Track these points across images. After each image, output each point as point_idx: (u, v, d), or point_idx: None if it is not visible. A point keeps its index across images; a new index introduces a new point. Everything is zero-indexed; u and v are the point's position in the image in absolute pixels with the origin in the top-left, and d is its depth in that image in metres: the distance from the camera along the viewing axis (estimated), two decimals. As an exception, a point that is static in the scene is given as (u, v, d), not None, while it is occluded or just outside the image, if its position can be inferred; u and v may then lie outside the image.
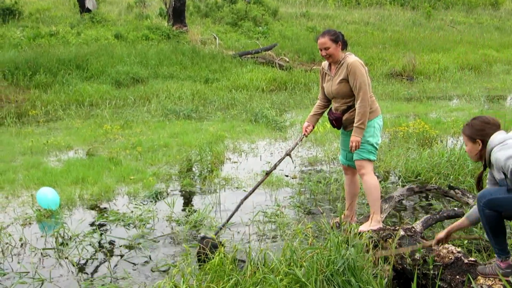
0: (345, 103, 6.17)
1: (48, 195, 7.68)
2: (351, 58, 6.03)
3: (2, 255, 6.31)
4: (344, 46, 6.17)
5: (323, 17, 33.60)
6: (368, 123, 6.07)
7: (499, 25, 36.63)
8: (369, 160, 6.12)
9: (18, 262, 6.12)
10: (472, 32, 33.38)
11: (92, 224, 7.24)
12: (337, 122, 6.31)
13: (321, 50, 6.09)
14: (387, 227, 5.90)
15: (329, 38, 6.02)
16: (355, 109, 6.05)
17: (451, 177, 8.32)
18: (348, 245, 5.10)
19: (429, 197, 8.08)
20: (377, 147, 6.22)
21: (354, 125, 6.00)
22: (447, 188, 7.19)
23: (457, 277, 4.71)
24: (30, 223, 7.33)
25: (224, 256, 4.99)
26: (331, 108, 6.48)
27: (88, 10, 26.81)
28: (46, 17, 27.12)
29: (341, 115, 6.24)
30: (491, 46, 28.54)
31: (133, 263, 6.10)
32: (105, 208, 7.93)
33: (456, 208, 6.39)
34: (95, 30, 24.50)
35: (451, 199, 7.31)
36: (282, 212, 7.45)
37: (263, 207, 7.69)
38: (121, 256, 6.29)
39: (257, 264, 4.91)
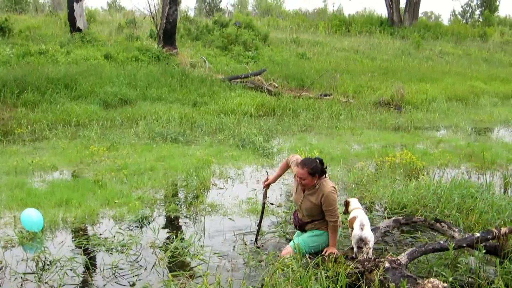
0: (309, 217, 6.60)
1: (33, 217, 7.59)
2: (327, 187, 6.32)
3: (-18, 278, 6.22)
4: (322, 174, 6.45)
5: (313, 43, 33.82)
6: (323, 232, 6.54)
7: (487, 57, 37.01)
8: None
9: (0, 285, 6.03)
10: (460, 63, 33.71)
11: (74, 248, 7.15)
12: (301, 228, 6.76)
13: (297, 177, 6.39)
14: (373, 258, 5.86)
15: (307, 171, 6.30)
16: (317, 222, 6.56)
17: (437, 210, 8.29)
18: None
19: (414, 229, 8.03)
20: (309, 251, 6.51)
21: (330, 243, 6.46)
22: (433, 221, 7.17)
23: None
24: (12, 246, 7.23)
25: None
26: (296, 211, 6.87)
27: (79, 30, 26.77)
28: (36, 35, 27.06)
29: (305, 224, 6.67)
30: (479, 78, 28.75)
31: (115, 290, 6.03)
32: (88, 232, 7.83)
33: (441, 241, 6.35)
34: (85, 49, 24.46)
35: (437, 232, 7.29)
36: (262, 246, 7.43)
37: (248, 236, 7.60)
38: (103, 281, 6.21)
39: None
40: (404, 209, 8.64)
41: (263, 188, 7.35)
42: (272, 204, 9.22)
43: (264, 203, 7.39)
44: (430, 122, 18.71)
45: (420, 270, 6.41)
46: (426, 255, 6.48)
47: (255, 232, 7.47)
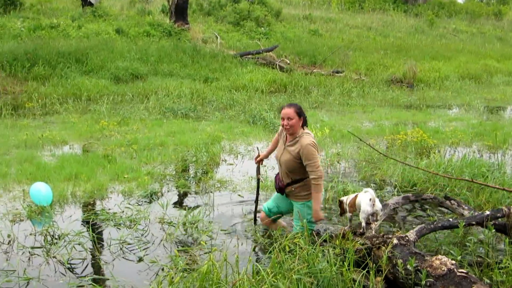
0: (289, 177, 6.39)
1: (42, 191, 7.59)
2: (306, 139, 6.13)
3: (-10, 252, 6.23)
4: (305, 123, 6.31)
5: (326, 20, 33.56)
6: (308, 203, 6.31)
7: (502, 36, 36.63)
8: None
9: (7, 260, 6.04)
10: (474, 41, 33.38)
11: (82, 223, 7.15)
12: (281, 190, 6.59)
13: (283, 119, 6.21)
14: (381, 235, 5.81)
15: (295, 110, 6.19)
16: (298, 185, 6.36)
17: (447, 188, 8.22)
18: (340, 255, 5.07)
19: (424, 207, 7.98)
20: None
21: (314, 206, 6.20)
22: (443, 198, 7.11)
23: (450, 288, 4.64)
24: (20, 220, 7.23)
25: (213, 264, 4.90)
26: (278, 173, 6.70)
27: (90, 4, 26.69)
28: (48, 9, 27.00)
29: (285, 187, 6.48)
30: (493, 57, 28.48)
31: (123, 264, 6.02)
32: (97, 206, 7.83)
33: (451, 219, 6.29)
34: (97, 24, 24.38)
35: (446, 209, 7.23)
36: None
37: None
38: (111, 256, 6.21)
39: (245, 274, 4.82)
40: (414, 187, 8.59)
41: (256, 164, 7.26)
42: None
43: (258, 179, 7.32)
44: (442, 100, 18.59)
45: (429, 248, 6.36)
46: (435, 233, 6.42)
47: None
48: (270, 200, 6.93)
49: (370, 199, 6.00)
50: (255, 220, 7.23)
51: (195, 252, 6.08)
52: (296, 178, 6.29)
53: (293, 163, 6.23)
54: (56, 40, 20.87)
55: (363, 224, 6.06)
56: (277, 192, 6.75)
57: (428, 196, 7.26)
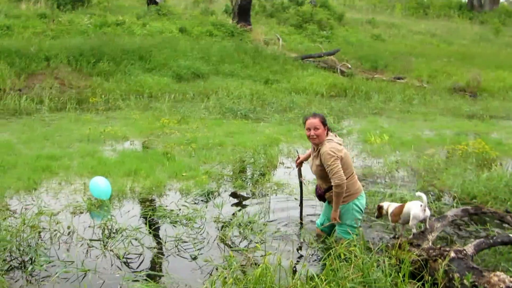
0: (324, 183, 6.49)
1: (101, 185, 7.75)
2: (326, 146, 6.21)
3: (50, 242, 6.36)
4: (328, 131, 6.41)
5: (389, 25, 33.24)
6: (346, 206, 6.38)
7: None
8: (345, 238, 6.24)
9: (67, 250, 6.18)
10: (542, 51, 32.46)
11: (140, 218, 7.25)
12: (321, 198, 6.75)
13: (309, 130, 6.29)
14: (438, 247, 5.70)
15: (320, 120, 6.28)
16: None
17: (509, 203, 7.97)
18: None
19: (480, 221, 7.78)
20: (356, 225, 6.45)
21: (333, 205, 6.37)
22: (504, 213, 6.92)
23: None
24: (80, 212, 7.39)
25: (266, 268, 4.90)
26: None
27: (155, 2, 27.11)
28: (114, 6, 27.59)
29: (324, 193, 6.59)
30: (561, 66, 27.61)
31: (177, 261, 6.07)
32: (154, 203, 7.93)
33: (511, 234, 6.13)
34: (161, 22, 24.73)
35: (507, 225, 7.04)
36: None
37: (312, 217, 7.54)
38: (166, 253, 6.27)
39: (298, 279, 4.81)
40: (474, 200, 8.33)
41: (296, 167, 7.27)
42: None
43: (301, 182, 7.32)
44: (507, 111, 18.10)
45: (487, 263, 6.20)
46: (494, 248, 6.26)
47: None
48: (320, 216, 6.97)
49: (421, 205, 5.93)
50: (301, 222, 7.22)
51: (249, 254, 6.08)
52: (330, 185, 6.29)
53: (321, 171, 6.34)
54: (121, 37, 21.26)
55: (414, 231, 5.98)
56: (319, 200, 6.87)
57: (488, 210, 7.06)
